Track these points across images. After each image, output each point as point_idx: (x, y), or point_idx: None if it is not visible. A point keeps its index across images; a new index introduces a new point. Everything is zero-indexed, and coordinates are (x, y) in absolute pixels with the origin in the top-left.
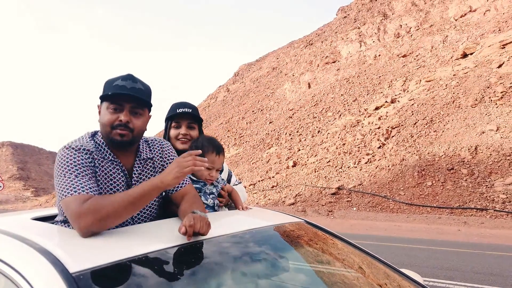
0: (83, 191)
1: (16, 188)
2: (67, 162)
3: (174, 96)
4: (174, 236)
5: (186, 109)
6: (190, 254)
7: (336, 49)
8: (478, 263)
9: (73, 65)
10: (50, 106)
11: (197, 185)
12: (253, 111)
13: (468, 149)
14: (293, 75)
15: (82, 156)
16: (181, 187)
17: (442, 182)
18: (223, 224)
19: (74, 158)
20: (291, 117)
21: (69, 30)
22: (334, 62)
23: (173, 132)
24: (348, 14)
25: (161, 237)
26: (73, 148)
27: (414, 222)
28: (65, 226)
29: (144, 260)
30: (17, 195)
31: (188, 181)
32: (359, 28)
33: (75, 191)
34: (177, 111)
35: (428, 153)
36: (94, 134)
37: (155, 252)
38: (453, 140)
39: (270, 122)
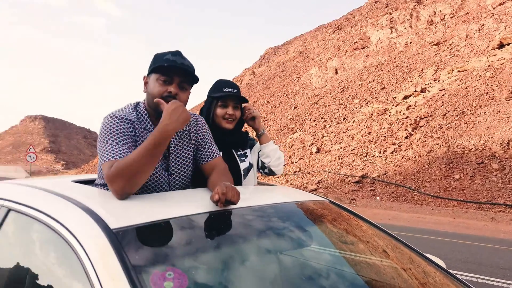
0: (115, 157)
1: (48, 160)
2: (110, 129)
3: (202, 78)
4: (205, 203)
5: (232, 90)
6: (218, 221)
7: (365, 34)
8: (504, 259)
9: (105, 48)
10: (81, 83)
11: None
12: (278, 95)
13: (500, 143)
14: (320, 60)
15: (124, 125)
16: (211, 158)
17: (470, 176)
18: (250, 197)
19: (117, 126)
20: (316, 103)
21: (101, 12)
22: (363, 48)
23: (219, 111)
24: None
25: (193, 203)
26: (116, 117)
27: (439, 214)
28: (105, 189)
29: (176, 223)
30: (49, 167)
31: (219, 154)
32: (390, 13)
33: (113, 157)
34: (224, 91)
35: (457, 145)
36: (136, 105)
37: (186, 216)
38: (485, 133)
39: (295, 107)
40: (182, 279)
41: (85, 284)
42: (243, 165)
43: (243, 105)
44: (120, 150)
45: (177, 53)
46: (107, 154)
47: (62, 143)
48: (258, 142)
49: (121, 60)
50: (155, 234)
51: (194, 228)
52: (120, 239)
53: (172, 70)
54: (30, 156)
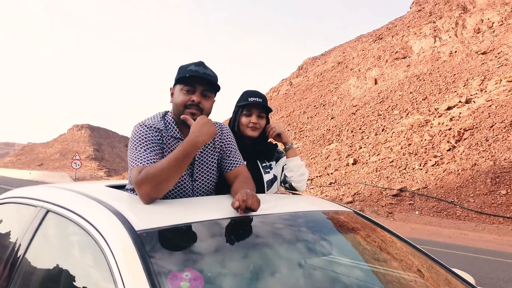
0: (148, 163)
1: (92, 167)
2: (139, 137)
3: (239, 87)
4: (226, 209)
5: (257, 99)
6: (238, 227)
7: (407, 44)
8: None
9: (146, 57)
10: (124, 94)
11: None
12: (315, 105)
13: None
14: (359, 70)
15: (152, 133)
16: (235, 167)
17: None
18: (271, 205)
19: (145, 134)
20: (354, 114)
21: (145, 24)
22: (404, 57)
23: (244, 119)
24: (423, 8)
25: (215, 209)
26: (145, 126)
27: (483, 231)
28: (134, 194)
29: (199, 227)
30: (92, 174)
31: (243, 163)
32: (434, 22)
33: (141, 163)
34: (249, 100)
35: (505, 159)
36: (164, 114)
37: (208, 221)
38: None
39: (331, 118)
40: (198, 280)
41: (109, 280)
42: (267, 177)
43: (268, 126)
44: (148, 157)
45: (200, 64)
46: (136, 160)
47: (105, 151)
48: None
49: (164, 71)
50: (176, 236)
51: (214, 232)
52: (143, 240)
53: (194, 79)
54: (75, 163)
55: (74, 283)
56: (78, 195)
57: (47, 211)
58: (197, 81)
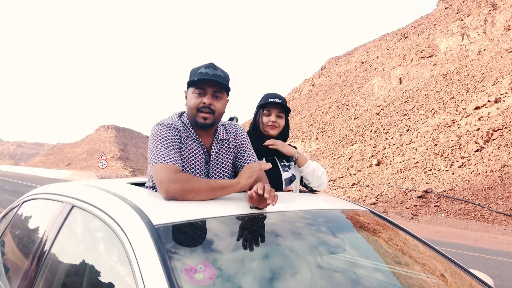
0: (171, 161)
1: (117, 167)
2: (160, 136)
3: (261, 88)
4: (241, 206)
5: (276, 100)
6: (253, 223)
7: (433, 42)
8: None
9: (163, 59)
10: (146, 94)
11: None
12: (337, 106)
13: None
14: (383, 70)
15: (172, 132)
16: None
17: None
18: (288, 202)
19: (165, 133)
20: (378, 114)
21: (156, 20)
22: (430, 56)
23: (264, 119)
24: (451, 5)
25: (229, 205)
26: (165, 125)
27: None
28: (153, 191)
29: (213, 222)
30: (118, 174)
31: (256, 160)
32: (462, 20)
33: (165, 161)
34: (269, 101)
35: None
36: (181, 115)
37: (222, 217)
38: None
39: (355, 118)
40: (211, 272)
41: (129, 270)
42: (285, 175)
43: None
44: (169, 155)
45: (210, 66)
46: (157, 158)
47: (131, 151)
48: None
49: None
50: (191, 231)
51: (227, 228)
52: (160, 234)
53: (204, 82)
54: (101, 162)
55: (97, 274)
56: (101, 191)
57: (72, 206)
58: (207, 83)
